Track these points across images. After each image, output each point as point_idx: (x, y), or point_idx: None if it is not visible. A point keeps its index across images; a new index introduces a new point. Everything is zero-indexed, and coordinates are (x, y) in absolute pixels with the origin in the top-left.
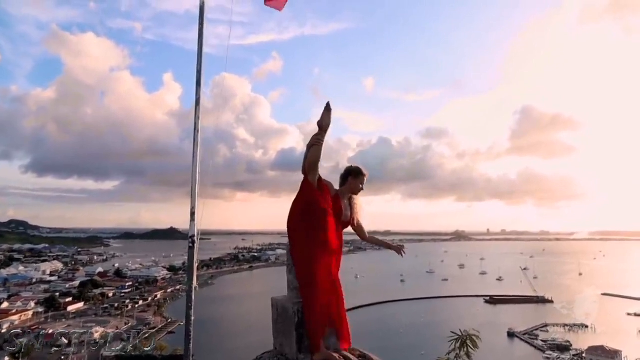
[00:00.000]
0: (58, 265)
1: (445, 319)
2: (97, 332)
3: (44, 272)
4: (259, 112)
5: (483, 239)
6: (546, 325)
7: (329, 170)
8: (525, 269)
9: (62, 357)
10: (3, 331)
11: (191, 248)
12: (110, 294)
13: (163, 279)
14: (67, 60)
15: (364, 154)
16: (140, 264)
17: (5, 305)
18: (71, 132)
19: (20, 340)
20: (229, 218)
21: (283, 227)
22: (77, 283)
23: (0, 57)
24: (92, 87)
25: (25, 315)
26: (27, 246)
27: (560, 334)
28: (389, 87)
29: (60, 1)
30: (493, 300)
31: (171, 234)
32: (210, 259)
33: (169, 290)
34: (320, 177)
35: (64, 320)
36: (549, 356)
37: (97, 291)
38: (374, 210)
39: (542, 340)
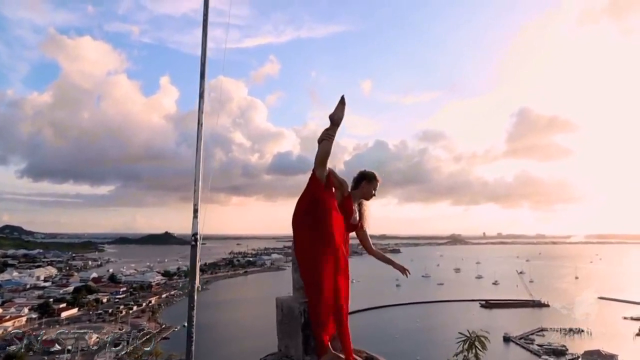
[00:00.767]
0: (52, 270)
1: (441, 324)
2: (91, 338)
3: (37, 278)
4: (255, 116)
5: (479, 243)
6: (542, 330)
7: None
8: (521, 272)
9: None
10: None
11: (194, 246)
12: (105, 300)
13: (157, 284)
14: (64, 64)
15: (360, 158)
16: (135, 269)
17: None
18: (68, 136)
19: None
20: (224, 222)
21: (278, 231)
22: (71, 289)
23: None
24: (89, 91)
25: (18, 321)
26: (21, 251)
27: (556, 338)
28: (386, 89)
29: (57, 5)
30: (489, 305)
31: (166, 239)
32: (205, 263)
33: (163, 296)
34: (332, 174)
35: (57, 326)
36: None
37: (92, 297)
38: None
39: (538, 345)
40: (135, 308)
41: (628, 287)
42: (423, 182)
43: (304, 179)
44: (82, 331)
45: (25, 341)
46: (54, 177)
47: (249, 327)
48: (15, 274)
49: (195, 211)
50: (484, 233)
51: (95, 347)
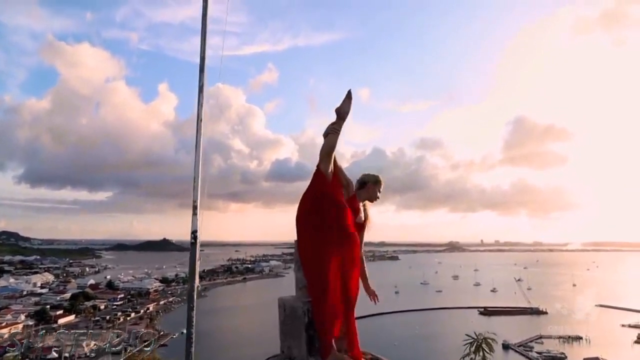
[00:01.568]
0: (49, 277)
1: (439, 331)
2: (88, 345)
3: (34, 284)
4: (253, 123)
5: (477, 250)
6: (541, 337)
7: None
8: (519, 280)
9: None
10: None
11: (193, 244)
12: (102, 307)
13: (155, 290)
14: (62, 70)
15: (358, 165)
16: (133, 276)
17: None
18: (66, 142)
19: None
20: (222, 229)
21: (277, 238)
22: (68, 295)
23: None
24: (88, 98)
25: (15, 328)
26: (18, 257)
27: (554, 346)
28: (384, 97)
29: (55, 11)
30: (487, 312)
31: (164, 245)
32: (204, 270)
33: (161, 303)
34: (340, 171)
35: (54, 333)
36: None
37: (89, 303)
38: None
39: (537, 352)
40: (133, 315)
41: (625, 294)
42: (421, 189)
43: (302, 186)
44: (81, 336)
45: (22, 347)
46: (52, 183)
47: (248, 333)
48: (11, 280)
49: (195, 208)
50: (481, 240)
51: (93, 354)
